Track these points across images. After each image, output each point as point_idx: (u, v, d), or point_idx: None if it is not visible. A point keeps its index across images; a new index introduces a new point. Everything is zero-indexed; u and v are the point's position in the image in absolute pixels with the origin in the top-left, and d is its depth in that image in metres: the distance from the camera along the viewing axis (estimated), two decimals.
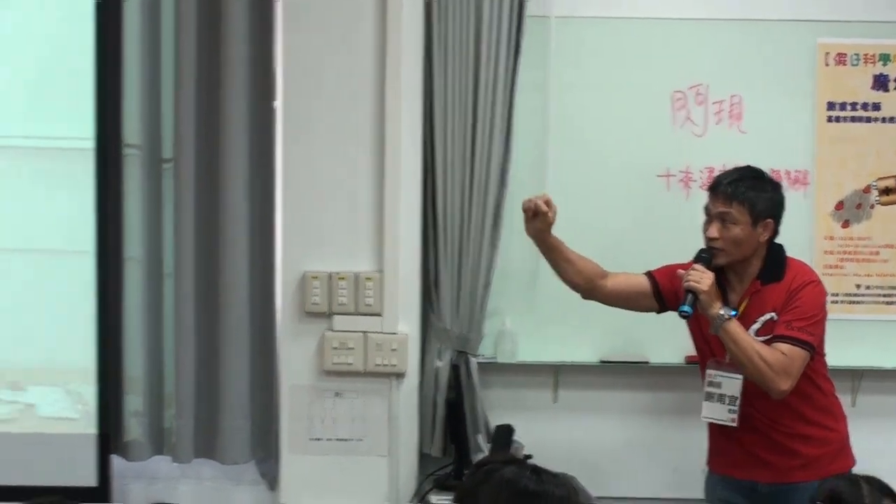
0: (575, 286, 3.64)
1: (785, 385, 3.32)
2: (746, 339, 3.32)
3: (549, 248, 3.57)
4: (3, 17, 4.14)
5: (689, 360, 3.85)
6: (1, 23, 4.11)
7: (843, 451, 3.54)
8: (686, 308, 3.36)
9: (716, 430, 3.60)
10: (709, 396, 3.48)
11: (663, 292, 3.43)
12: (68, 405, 4.20)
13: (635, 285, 3.61)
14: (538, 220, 3.45)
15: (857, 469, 3.43)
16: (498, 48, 3.94)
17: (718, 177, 3.54)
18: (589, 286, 3.59)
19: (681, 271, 3.35)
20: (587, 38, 4.06)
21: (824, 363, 3.53)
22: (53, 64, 4.14)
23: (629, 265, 3.58)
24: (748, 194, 3.36)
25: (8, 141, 4.06)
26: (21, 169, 4.12)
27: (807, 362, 3.37)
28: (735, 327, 3.34)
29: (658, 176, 4.00)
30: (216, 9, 4.05)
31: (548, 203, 3.40)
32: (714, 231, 3.35)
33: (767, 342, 3.36)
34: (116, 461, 4.17)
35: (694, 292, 3.36)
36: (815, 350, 3.38)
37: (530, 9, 3.91)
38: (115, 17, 4.07)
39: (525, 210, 3.46)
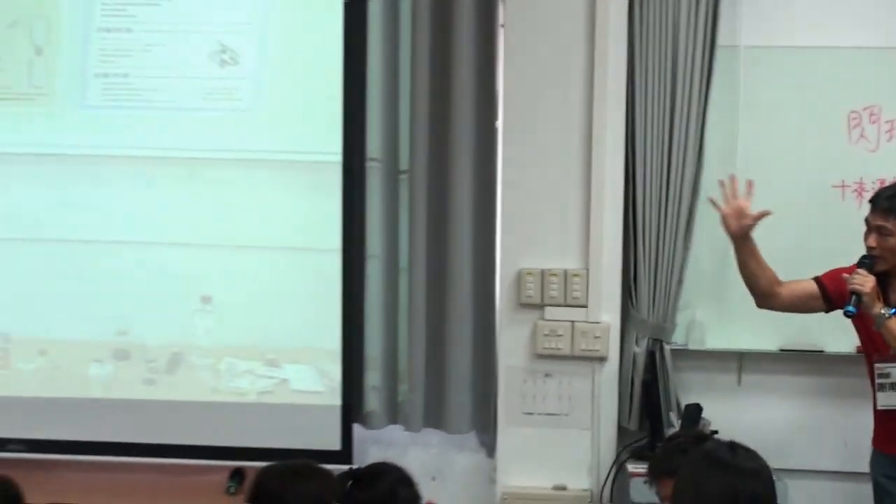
0: (757, 289, 3.98)
1: None
2: None
3: (747, 249, 3.89)
4: (269, 47, 4.61)
5: (859, 350, 4.09)
6: (266, 54, 4.58)
7: None
8: (851, 308, 3.70)
9: (884, 415, 3.88)
10: (881, 387, 3.81)
11: (831, 295, 3.75)
12: (317, 381, 4.65)
13: (807, 290, 3.94)
14: (742, 219, 3.78)
15: None
16: (692, 75, 4.26)
17: (879, 191, 3.85)
18: (769, 291, 3.92)
19: (846, 275, 3.65)
20: (773, 65, 4.36)
21: None
22: (312, 90, 4.57)
23: (805, 267, 3.93)
24: None
25: (274, 155, 4.55)
26: (279, 179, 4.60)
27: None
28: (894, 324, 3.65)
29: (833, 186, 4.29)
30: (447, 40, 4.48)
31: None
32: (872, 241, 3.68)
33: None
34: (357, 429, 4.63)
35: (858, 294, 3.67)
36: None
37: (721, 40, 4.22)
38: (360, 51, 4.54)
39: (725, 209, 3.81)
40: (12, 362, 4.74)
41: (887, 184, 4.08)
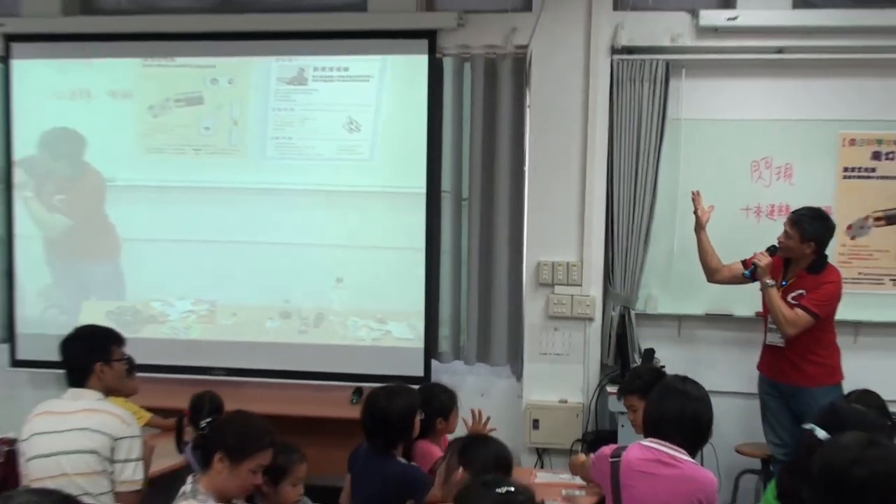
0: (709, 266, 4.99)
1: (790, 331, 4.64)
2: (776, 300, 4.65)
3: (705, 238, 4.98)
4: (381, 119, 5.70)
5: (758, 315, 5.14)
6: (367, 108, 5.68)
7: (835, 372, 4.77)
8: (747, 273, 4.80)
9: (767, 349, 4.87)
10: (770, 330, 4.81)
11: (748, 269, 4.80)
12: (408, 332, 5.75)
13: (736, 269, 4.98)
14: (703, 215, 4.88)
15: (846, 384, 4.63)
16: (651, 135, 5.35)
17: (794, 210, 4.81)
18: (716, 268, 4.99)
19: (755, 252, 4.75)
20: (703, 130, 5.46)
21: (832, 324, 4.77)
22: (406, 146, 5.67)
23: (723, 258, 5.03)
24: (802, 222, 4.67)
25: (382, 189, 5.72)
26: (385, 203, 5.72)
27: (812, 323, 4.60)
28: (773, 292, 4.66)
29: (740, 209, 5.40)
30: (493, 110, 5.60)
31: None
32: (780, 237, 4.74)
33: (793, 306, 4.66)
34: (434, 363, 5.75)
35: (755, 265, 4.72)
36: (819, 318, 4.62)
37: (669, 114, 5.38)
38: (436, 121, 5.62)
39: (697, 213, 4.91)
40: (217, 319, 5.95)
41: (775, 208, 5.36)
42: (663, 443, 3.22)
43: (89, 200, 6.12)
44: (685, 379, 3.38)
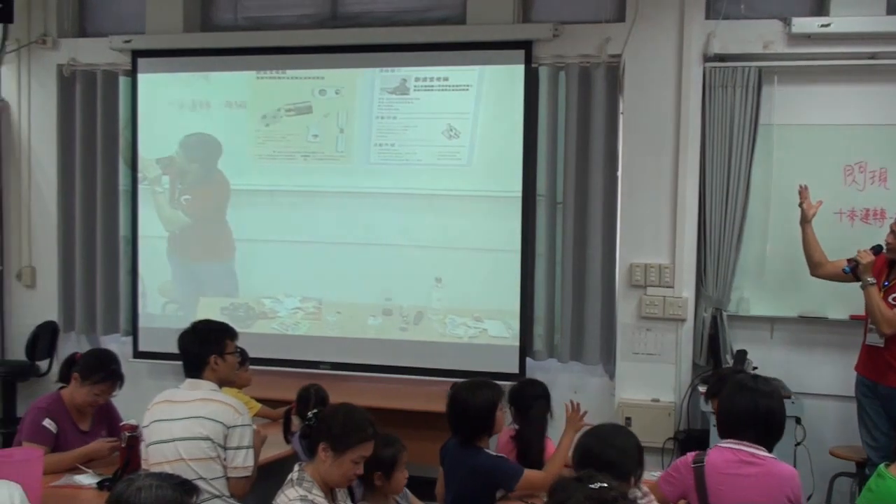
0: (812, 259, 4.86)
1: (888, 330, 4.53)
2: (876, 298, 4.53)
3: (810, 231, 4.84)
4: (479, 126, 5.71)
5: (852, 318, 5.08)
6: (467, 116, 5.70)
7: None
8: (847, 269, 4.67)
9: (867, 349, 4.71)
10: (870, 330, 4.66)
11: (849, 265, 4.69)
12: (504, 330, 5.75)
13: (839, 265, 4.81)
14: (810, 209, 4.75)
15: None
16: (742, 141, 5.29)
17: None
18: (820, 262, 4.85)
19: (858, 249, 4.62)
20: (795, 135, 5.33)
21: None
22: (503, 151, 5.68)
23: None
24: None
25: (480, 193, 5.73)
26: (483, 207, 5.74)
27: None
28: (873, 290, 4.54)
29: (833, 213, 5.22)
30: (586, 118, 5.59)
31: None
32: (888, 238, 4.63)
33: (893, 307, 4.52)
34: (528, 361, 5.73)
35: (857, 261, 4.60)
36: None
37: (761, 119, 5.29)
38: (532, 126, 5.61)
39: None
40: (323, 316, 6.04)
41: (869, 212, 5.19)
42: (741, 442, 3.15)
43: (215, 204, 6.29)
44: (756, 376, 3.30)
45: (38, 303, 6.66)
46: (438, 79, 5.83)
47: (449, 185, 5.83)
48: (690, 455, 3.27)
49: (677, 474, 3.28)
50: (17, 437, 4.07)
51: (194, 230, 6.36)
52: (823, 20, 5.24)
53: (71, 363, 4.14)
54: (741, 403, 3.17)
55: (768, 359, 5.29)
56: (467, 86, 5.79)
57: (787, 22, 5.27)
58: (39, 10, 6.59)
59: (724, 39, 5.37)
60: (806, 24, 5.24)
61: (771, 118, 5.37)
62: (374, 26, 6.08)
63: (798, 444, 4.92)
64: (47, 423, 3.97)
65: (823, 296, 5.24)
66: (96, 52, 6.46)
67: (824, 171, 5.33)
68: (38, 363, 6.51)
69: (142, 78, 6.35)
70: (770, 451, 3.18)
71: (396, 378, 5.95)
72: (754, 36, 5.36)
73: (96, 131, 6.48)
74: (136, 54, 6.34)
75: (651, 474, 4.14)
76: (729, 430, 3.20)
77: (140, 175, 6.40)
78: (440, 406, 3.82)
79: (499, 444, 4.01)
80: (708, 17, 5.45)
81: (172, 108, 6.32)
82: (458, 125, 5.80)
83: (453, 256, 5.85)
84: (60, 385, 4.17)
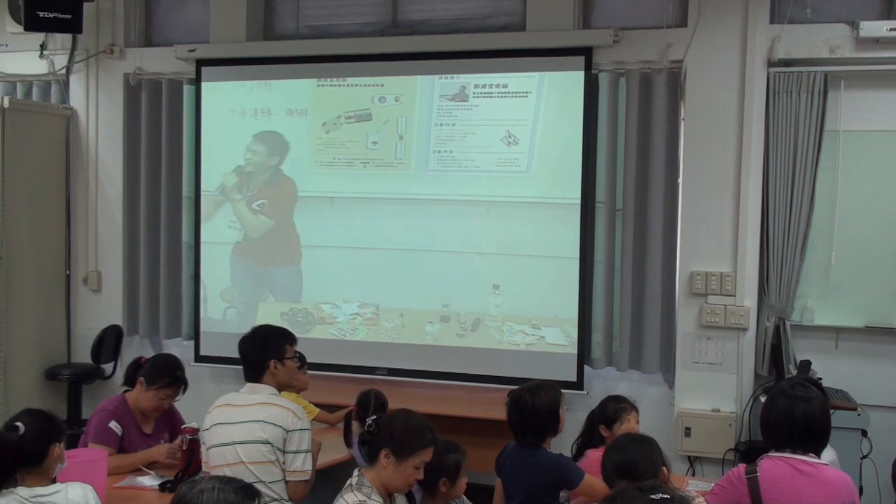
0: None
1: None
2: None
3: None
4: (538, 134, 5.65)
5: None
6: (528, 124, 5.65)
7: None
8: None
9: None
10: None
11: None
12: (562, 338, 5.69)
13: None
14: None
15: None
16: (807, 147, 5.18)
17: None
18: None
19: None
20: (861, 142, 5.23)
21: None
22: (562, 159, 5.63)
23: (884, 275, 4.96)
24: None
25: (539, 200, 5.68)
26: (542, 214, 5.65)
27: None
28: None
29: None
30: (647, 124, 5.54)
31: None
32: None
33: None
34: (586, 369, 5.69)
35: None
36: None
37: (827, 125, 5.18)
38: (591, 133, 5.57)
39: None
40: (381, 322, 6.03)
41: None
42: (793, 451, 3.10)
43: (284, 206, 6.33)
44: (796, 383, 3.25)
45: (104, 307, 6.77)
46: (497, 85, 5.81)
47: (507, 191, 5.80)
48: (742, 467, 3.22)
49: (729, 486, 3.22)
50: (83, 438, 4.13)
51: (271, 234, 6.37)
52: (892, 24, 5.09)
53: (136, 367, 4.20)
54: (779, 410, 3.13)
55: (833, 369, 5.17)
56: (527, 92, 5.75)
57: (854, 26, 5.15)
58: (107, 21, 6.72)
59: (789, 44, 5.27)
60: (874, 27, 5.10)
61: (837, 124, 5.24)
62: (434, 34, 6.08)
63: (864, 457, 4.77)
64: (113, 425, 4.04)
65: (891, 305, 5.12)
66: (162, 62, 6.58)
67: (893, 178, 5.20)
68: (104, 366, 6.61)
69: (205, 86, 6.43)
70: (818, 456, 3.12)
71: (452, 385, 5.93)
72: (820, 40, 5.24)
73: (161, 139, 6.58)
74: (201, 63, 6.44)
75: (711, 485, 4.13)
76: (771, 439, 3.16)
77: (220, 184, 6.44)
78: (496, 413, 3.88)
79: (589, 463, 3.81)
80: (773, 21, 5.35)
81: (235, 115, 6.38)
82: (517, 132, 5.77)
83: (511, 263, 5.80)
84: (125, 388, 4.23)
